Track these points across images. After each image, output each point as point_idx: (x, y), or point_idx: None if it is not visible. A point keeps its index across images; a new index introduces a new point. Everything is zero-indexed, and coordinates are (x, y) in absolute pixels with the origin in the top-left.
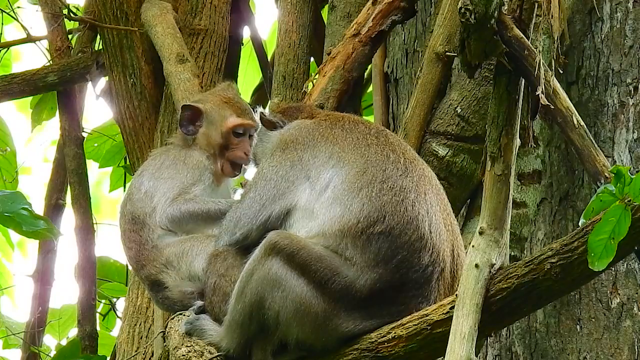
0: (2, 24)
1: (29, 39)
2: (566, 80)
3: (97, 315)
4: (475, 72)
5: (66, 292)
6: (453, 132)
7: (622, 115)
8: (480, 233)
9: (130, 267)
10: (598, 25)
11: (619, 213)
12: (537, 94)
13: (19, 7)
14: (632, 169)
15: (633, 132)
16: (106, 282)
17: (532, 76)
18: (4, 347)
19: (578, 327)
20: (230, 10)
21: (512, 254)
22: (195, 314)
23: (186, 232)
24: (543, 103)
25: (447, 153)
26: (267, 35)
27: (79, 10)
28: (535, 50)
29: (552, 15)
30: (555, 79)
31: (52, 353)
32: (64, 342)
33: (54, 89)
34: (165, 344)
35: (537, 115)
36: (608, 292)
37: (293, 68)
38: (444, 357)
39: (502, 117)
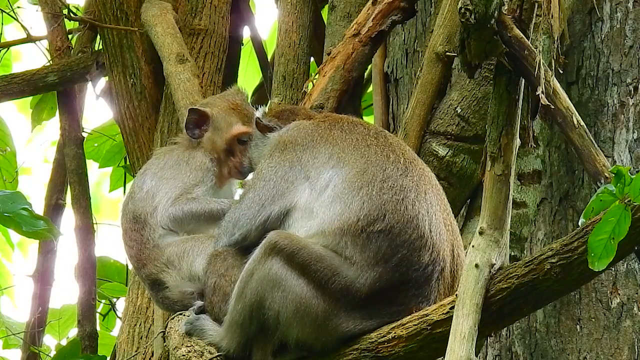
0: (2, 24)
1: (29, 39)
2: (566, 80)
3: (97, 315)
4: (475, 72)
5: (66, 292)
6: (453, 132)
7: (622, 115)
8: (480, 233)
9: (130, 267)
10: (598, 25)
11: (619, 213)
12: (537, 94)
13: (19, 7)
14: (632, 169)
15: (633, 132)
16: (106, 282)
17: (532, 76)
18: (4, 347)
19: (578, 327)
20: (230, 10)
21: (512, 254)
22: (195, 314)
23: (187, 232)
24: (543, 103)
25: (447, 153)
26: (267, 35)
27: (79, 10)
28: (535, 50)
29: (552, 15)
30: (555, 79)
31: (52, 353)
32: (64, 342)
33: (54, 89)
34: (165, 344)
35: (537, 115)
36: (608, 292)
37: (293, 68)
38: (444, 357)
39: (502, 117)
